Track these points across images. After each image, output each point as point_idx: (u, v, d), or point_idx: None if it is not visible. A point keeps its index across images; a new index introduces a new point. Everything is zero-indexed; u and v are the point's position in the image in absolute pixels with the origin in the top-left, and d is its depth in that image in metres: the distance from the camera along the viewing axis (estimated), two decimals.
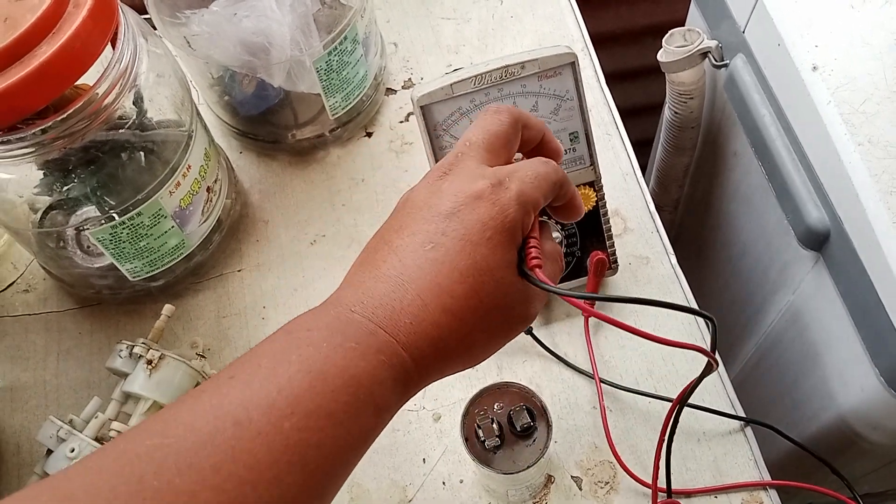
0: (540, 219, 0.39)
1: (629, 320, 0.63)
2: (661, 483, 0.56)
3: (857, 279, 0.57)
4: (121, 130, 0.54)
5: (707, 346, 0.38)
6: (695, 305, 0.64)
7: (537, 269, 0.36)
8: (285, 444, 0.29)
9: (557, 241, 0.60)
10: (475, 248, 0.34)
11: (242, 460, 0.28)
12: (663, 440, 0.48)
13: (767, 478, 0.57)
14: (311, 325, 0.33)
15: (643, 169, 1.02)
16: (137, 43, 0.53)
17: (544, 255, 0.37)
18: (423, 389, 0.62)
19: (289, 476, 0.29)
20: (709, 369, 0.40)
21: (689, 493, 0.56)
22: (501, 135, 0.39)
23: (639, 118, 1.10)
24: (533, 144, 0.41)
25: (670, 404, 0.59)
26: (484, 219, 0.35)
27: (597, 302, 0.58)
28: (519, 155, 0.42)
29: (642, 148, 1.01)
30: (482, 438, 0.49)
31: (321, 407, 0.30)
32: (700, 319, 0.63)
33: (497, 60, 0.54)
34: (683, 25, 0.76)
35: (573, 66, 0.54)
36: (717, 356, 0.39)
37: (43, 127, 0.49)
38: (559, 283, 0.61)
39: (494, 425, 0.50)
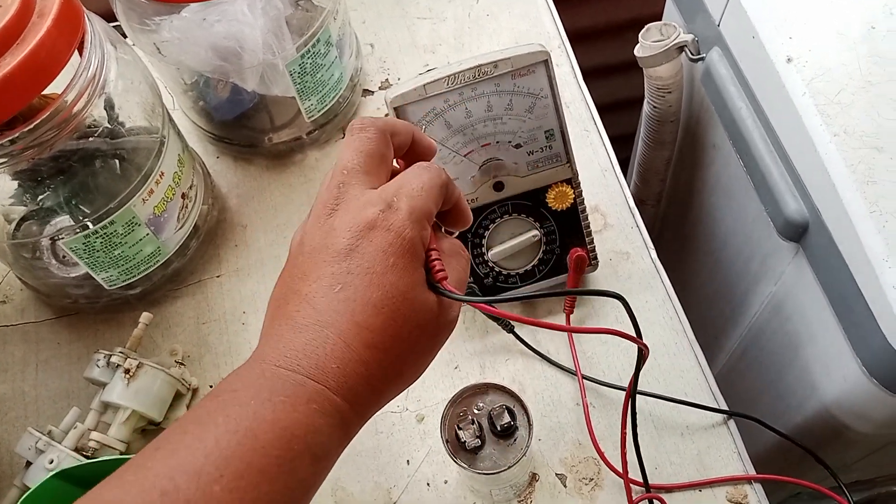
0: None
1: (610, 315, 0.63)
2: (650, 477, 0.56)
3: (836, 269, 0.57)
4: (91, 139, 0.54)
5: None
6: (675, 300, 0.64)
7: (444, 282, 0.36)
8: None
9: (536, 239, 0.60)
10: (382, 278, 0.34)
11: None
12: (625, 433, 0.48)
13: (752, 470, 0.57)
14: (237, 386, 0.33)
15: (625, 164, 1.02)
16: (105, 50, 0.53)
17: (446, 258, 0.38)
18: (407, 391, 0.62)
19: None
20: (641, 357, 0.41)
21: (672, 489, 0.56)
22: (374, 152, 0.38)
23: (620, 113, 1.10)
24: (406, 148, 0.41)
25: (653, 399, 0.59)
26: (383, 247, 0.35)
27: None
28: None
29: (624, 143, 1.01)
30: (463, 440, 0.49)
31: (252, 465, 0.30)
32: (679, 309, 0.63)
33: (470, 60, 0.53)
34: (660, 20, 0.76)
35: (546, 63, 0.54)
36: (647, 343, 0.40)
37: (11, 138, 0.48)
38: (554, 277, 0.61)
39: (475, 426, 0.49)
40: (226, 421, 0.31)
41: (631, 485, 0.55)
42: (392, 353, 0.35)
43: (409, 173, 0.38)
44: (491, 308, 0.37)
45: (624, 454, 0.53)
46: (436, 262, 0.36)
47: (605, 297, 0.63)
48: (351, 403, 0.34)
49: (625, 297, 0.38)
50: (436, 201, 0.38)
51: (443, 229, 0.42)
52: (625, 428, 0.50)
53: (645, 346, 0.40)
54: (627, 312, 0.39)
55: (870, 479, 0.95)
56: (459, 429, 0.49)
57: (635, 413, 0.49)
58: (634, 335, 0.39)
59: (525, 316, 0.63)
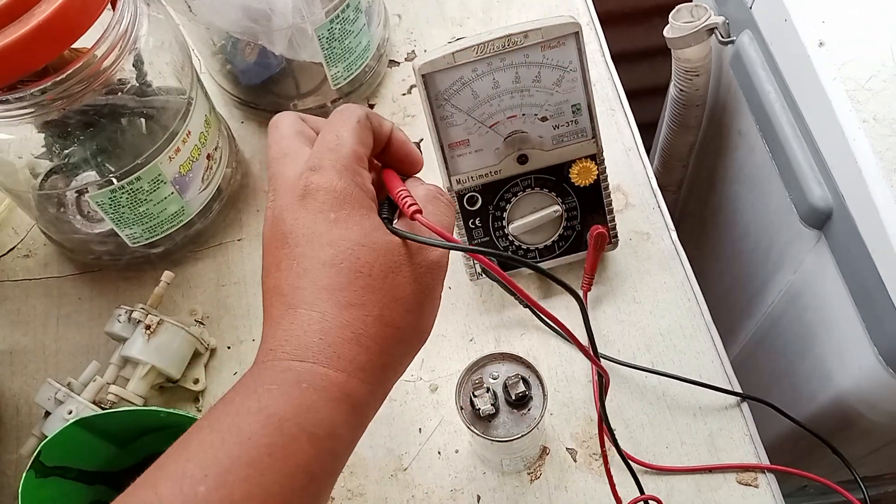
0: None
1: (628, 295, 0.63)
2: (647, 458, 0.57)
3: (858, 258, 0.57)
4: (119, 94, 0.54)
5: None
6: (694, 282, 0.63)
7: (418, 215, 0.34)
8: None
9: (557, 214, 0.60)
10: (329, 235, 0.33)
11: None
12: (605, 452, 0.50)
13: (763, 454, 0.57)
14: (229, 393, 0.32)
15: (649, 150, 1.01)
16: (137, 6, 0.53)
17: (424, 202, 0.36)
18: (421, 360, 0.62)
19: None
20: (602, 385, 0.42)
21: (679, 471, 0.56)
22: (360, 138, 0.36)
23: (645, 99, 1.09)
24: (382, 143, 0.39)
25: (667, 379, 0.59)
26: (319, 208, 0.34)
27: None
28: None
29: (648, 129, 1.00)
30: (477, 406, 0.49)
31: (238, 458, 0.28)
32: (697, 291, 0.63)
33: (500, 30, 0.53)
34: (691, 2, 0.75)
35: (577, 36, 0.54)
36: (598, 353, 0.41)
37: (41, 87, 0.49)
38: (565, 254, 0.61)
39: (489, 394, 0.50)
40: (209, 423, 0.30)
41: (642, 468, 0.56)
42: (373, 306, 0.33)
43: (325, 129, 0.36)
44: (470, 253, 0.35)
45: (602, 436, 0.52)
46: (406, 199, 0.35)
47: (621, 280, 0.64)
48: (349, 373, 0.32)
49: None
50: (361, 140, 0.36)
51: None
52: (603, 446, 0.50)
53: (604, 371, 0.41)
54: (583, 317, 0.39)
55: (877, 476, 0.95)
56: (475, 396, 0.49)
57: (614, 435, 0.48)
58: (591, 351, 0.39)
59: (541, 289, 0.64)
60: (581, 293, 0.63)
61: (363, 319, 0.33)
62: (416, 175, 0.40)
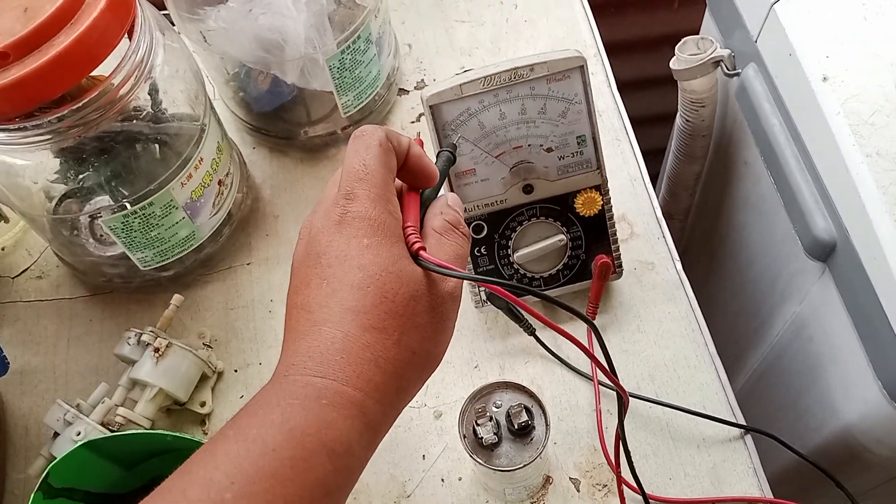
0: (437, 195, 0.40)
1: (632, 324, 0.64)
2: (651, 489, 0.57)
3: (862, 291, 0.57)
4: (134, 121, 0.55)
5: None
6: (699, 312, 0.64)
7: (422, 252, 0.36)
8: None
9: (562, 243, 0.61)
10: (360, 259, 0.35)
11: None
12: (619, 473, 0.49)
13: (766, 487, 0.57)
14: (249, 404, 0.33)
15: (655, 178, 1.02)
16: (154, 36, 0.54)
17: (437, 236, 0.38)
18: (426, 386, 0.63)
19: None
20: (621, 404, 0.42)
21: (683, 503, 0.56)
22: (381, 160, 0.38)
23: (653, 127, 1.10)
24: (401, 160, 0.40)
25: (671, 410, 0.59)
26: (354, 233, 0.35)
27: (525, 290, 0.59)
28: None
29: (655, 157, 1.01)
30: (480, 435, 0.50)
31: (262, 469, 0.30)
32: (701, 321, 0.63)
33: (507, 62, 0.54)
34: (698, 34, 0.76)
35: (582, 69, 0.55)
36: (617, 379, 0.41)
37: (59, 115, 0.50)
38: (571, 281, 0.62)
39: (492, 423, 0.50)
40: (235, 433, 0.31)
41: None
42: (393, 331, 0.35)
43: (349, 153, 0.38)
44: (481, 283, 0.36)
45: (617, 458, 0.53)
46: (411, 237, 0.37)
47: (625, 309, 0.64)
48: (366, 392, 0.33)
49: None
50: (386, 165, 0.38)
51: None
52: (618, 467, 0.50)
53: (623, 390, 0.41)
54: (600, 345, 0.39)
55: None
56: (478, 424, 0.50)
57: (629, 455, 0.48)
58: (608, 370, 0.39)
59: (546, 317, 0.64)
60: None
61: (383, 342, 0.34)
62: (441, 194, 0.42)
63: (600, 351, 0.40)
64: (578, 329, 0.63)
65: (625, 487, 0.55)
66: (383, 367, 0.34)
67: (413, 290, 0.35)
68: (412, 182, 0.41)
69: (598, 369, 0.61)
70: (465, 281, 0.42)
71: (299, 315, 0.35)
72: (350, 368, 0.33)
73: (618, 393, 0.42)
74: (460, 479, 0.59)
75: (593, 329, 0.39)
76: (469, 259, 0.61)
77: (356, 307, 0.34)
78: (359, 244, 0.35)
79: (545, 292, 0.38)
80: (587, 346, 0.39)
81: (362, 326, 0.34)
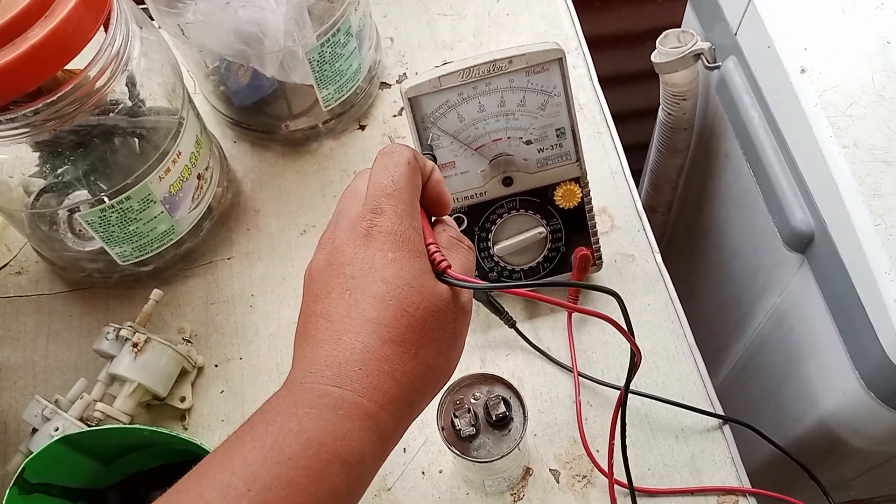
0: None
1: (613, 315, 0.64)
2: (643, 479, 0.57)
3: (839, 282, 0.58)
4: (111, 115, 0.55)
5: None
6: (678, 304, 0.64)
7: (448, 270, 0.37)
8: None
9: (542, 236, 0.61)
10: (384, 272, 0.35)
11: None
12: (613, 442, 0.48)
13: (744, 476, 0.57)
14: (266, 409, 0.34)
15: (639, 171, 1.02)
16: (130, 29, 0.54)
17: (446, 249, 0.39)
18: None
19: None
20: (633, 360, 0.42)
21: (661, 493, 0.57)
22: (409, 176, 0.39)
23: (635, 122, 1.10)
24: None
25: (650, 400, 0.60)
26: (380, 247, 0.36)
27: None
28: None
29: (638, 151, 1.01)
30: (458, 427, 0.50)
31: (279, 477, 0.30)
32: (681, 313, 0.63)
33: (485, 55, 0.54)
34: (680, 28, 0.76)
35: (560, 62, 0.55)
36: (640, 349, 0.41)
37: (34, 108, 0.50)
38: (552, 274, 0.62)
39: (470, 415, 0.50)
40: (252, 439, 0.32)
41: (617, 489, 0.56)
42: (412, 345, 0.35)
43: (376, 169, 0.38)
44: (503, 290, 0.38)
45: (611, 461, 0.53)
46: (436, 254, 0.38)
47: (609, 298, 0.64)
48: (381, 404, 0.34)
49: (624, 298, 0.38)
50: (413, 184, 0.38)
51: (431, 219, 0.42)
52: (613, 434, 0.50)
53: (637, 348, 0.41)
54: (622, 311, 0.40)
55: (868, 499, 0.95)
56: (455, 416, 0.50)
57: (625, 420, 0.49)
58: (629, 334, 0.40)
59: (527, 310, 0.64)
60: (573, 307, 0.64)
61: (401, 356, 0.35)
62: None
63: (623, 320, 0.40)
64: (559, 319, 0.63)
65: (602, 475, 0.55)
66: (399, 381, 0.35)
67: (433, 306, 0.36)
68: (427, 205, 0.41)
69: (574, 359, 0.61)
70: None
71: (318, 323, 0.36)
72: (367, 380, 0.34)
73: (631, 353, 0.42)
74: (441, 471, 0.59)
75: (617, 299, 0.39)
76: None
77: (377, 319, 0.35)
78: (384, 258, 0.36)
79: (556, 280, 0.38)
80: (571, 331, 0.38)
81: (382, 339, 0.34)
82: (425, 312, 0.36)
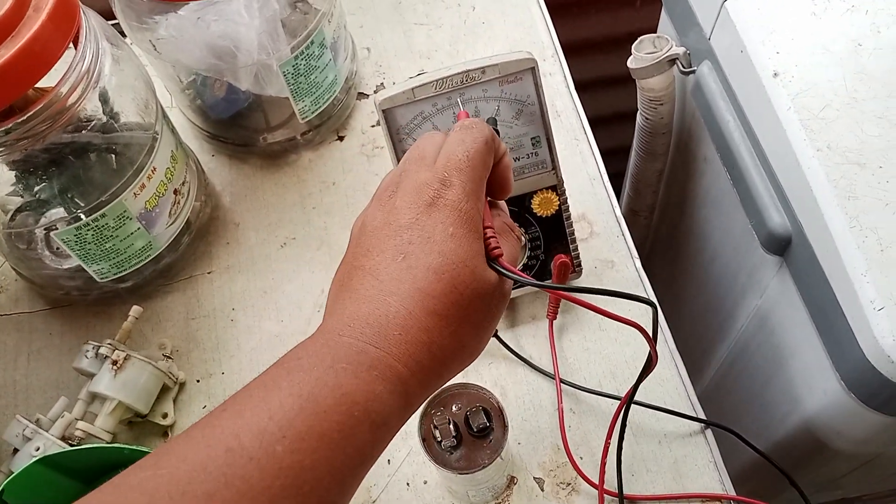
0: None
1: (593, 323, 0.64)
2: (613, 485, 0.57)
3: (817, 284, 0.58)
4: (84, 132, 0.55)
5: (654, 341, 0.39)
6: (658, 310, 0.64)
7: (500, 259, 0.37)
8: (278, 467, 0.29)
9: (521, 244, 0.61)
10: (442, 245, 0.36)
11: (236, 486, 0.28)
12: (609, 441, 0.49)
13: (727, 482, 0.58)
14: (301, 354, 0.34)
15: (621, 176, 1.02)
16: (100, 45, 0.54)
17: (499, 235, 0.39)
18: None
19: (284, 500, 0.29)
20: (649, 363, 0.42)
21: (645, 499, 0.57)
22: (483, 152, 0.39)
23: (616, 126, 1.10)
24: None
25: (633, 406, 0.60)
26: (442, 219, 0.36)
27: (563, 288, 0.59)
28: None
29: (619, 155, 1.02)
30: (439, 439, 0.50)
31: (313, 428, 0.31)
32: (664, 325, 0.64)
33: (459, 65, 0.54)
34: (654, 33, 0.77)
35: (533, 71, 0.55)
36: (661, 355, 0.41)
37: (5, 128, 0.50)
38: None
39: (451, 426, 0.50)
40: (290, 385, 0.32)
41: (606, 496, 0.56)
42: (453, 322, 0.35)
43: (452, 141, 0.39)
44: (547, 290, 0.43)
45: (604, 464, 0.53)
46: (491, 240, 0.38)
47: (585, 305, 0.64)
48: (413, 372, 0.34)
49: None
50: (484, 163, 0.39)
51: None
52: (610, 437, 0.50)
53: (656, 354, 0.42)
54: (653, 319, 0.41)
55: (856, 497, 0.95)
56: (436, 428, 0.50)
57: (625, 424, 0.49)
58: (652, 339, 0.41)
59: (508, 318, 0.64)
60: (551, 319, 0.64)
61: (441, 330, 0.35)
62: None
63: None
64: (541, 326, 0.63)
65: (586, 483, 0.55)
66: (434, 353, 0.35)
67: (481, 288, 0.36)
68: (491, 187, 0.41)
69: (556, 367, 0.61)
70: None
71: (364, 279, 0.36)
72: (405, 346, 0.34)
73: (648, 358, 0.43)
74: (425, 482, 0.59)
75: (653, 307, 0.40)
76: None
77: (427, 289, 0.35)
78: (444, 231, 0.36)
79: (596, 288, 0.39)
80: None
81: (427, 310, 0.35)
82: (472, 293, 0.36)
